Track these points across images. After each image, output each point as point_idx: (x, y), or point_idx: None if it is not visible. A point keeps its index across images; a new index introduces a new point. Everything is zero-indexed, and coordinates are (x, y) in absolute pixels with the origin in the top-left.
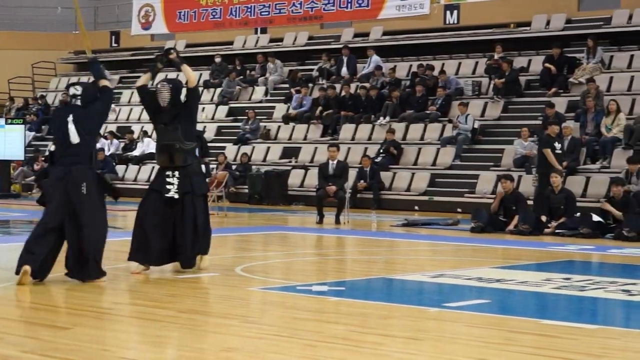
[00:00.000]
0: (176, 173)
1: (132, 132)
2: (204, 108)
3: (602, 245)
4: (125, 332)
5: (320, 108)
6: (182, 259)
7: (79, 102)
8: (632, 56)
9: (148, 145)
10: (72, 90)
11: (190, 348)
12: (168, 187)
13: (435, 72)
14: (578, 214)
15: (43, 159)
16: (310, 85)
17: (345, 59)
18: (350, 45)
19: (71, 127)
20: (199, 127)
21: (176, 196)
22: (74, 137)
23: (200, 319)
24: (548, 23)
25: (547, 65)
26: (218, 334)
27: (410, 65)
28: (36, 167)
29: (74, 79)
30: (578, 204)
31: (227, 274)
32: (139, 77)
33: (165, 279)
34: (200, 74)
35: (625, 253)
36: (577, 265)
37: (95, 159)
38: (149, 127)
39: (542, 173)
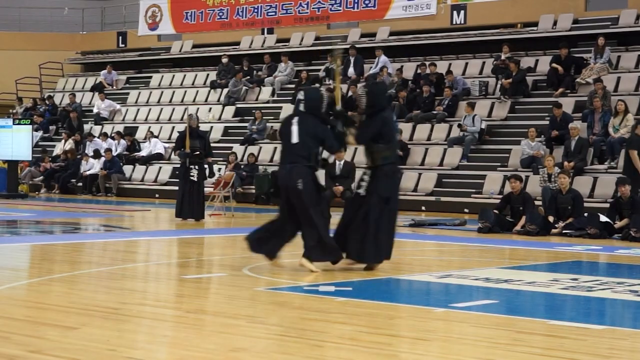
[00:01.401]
0: (368, 172)
1: (131, 134)
2: (210, 108)
3: (609, 245)
4: (132, 332)
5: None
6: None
7: (301, 107)
8: (639, 56)
9: (155, 146)
10: (298, 95)
11: (198, 348)
12: (361, 183)
13: (442, 72)
14: (585, 214)
15: (50, 159)
16: (317, 85)
17: (352, 59)
18: (357, 46)
19: (294, 129)
20: (204, 127)
21: (363, 193)
22: (294, 138)
23: (208, 319)
24: (555, 23)
25: (554, 65)
26: (226, 334)
27: (417, 66)
28: (42, 167)
29: (80, 80)
30: (585, 204)
31: (234, 274)
32: (145, 77)
33: (172, 279)
34: (207, 75)
35: (633, 254)
36: (585, 265)
37: (315, 159)
38: (156, 128)
39: (633, 177)
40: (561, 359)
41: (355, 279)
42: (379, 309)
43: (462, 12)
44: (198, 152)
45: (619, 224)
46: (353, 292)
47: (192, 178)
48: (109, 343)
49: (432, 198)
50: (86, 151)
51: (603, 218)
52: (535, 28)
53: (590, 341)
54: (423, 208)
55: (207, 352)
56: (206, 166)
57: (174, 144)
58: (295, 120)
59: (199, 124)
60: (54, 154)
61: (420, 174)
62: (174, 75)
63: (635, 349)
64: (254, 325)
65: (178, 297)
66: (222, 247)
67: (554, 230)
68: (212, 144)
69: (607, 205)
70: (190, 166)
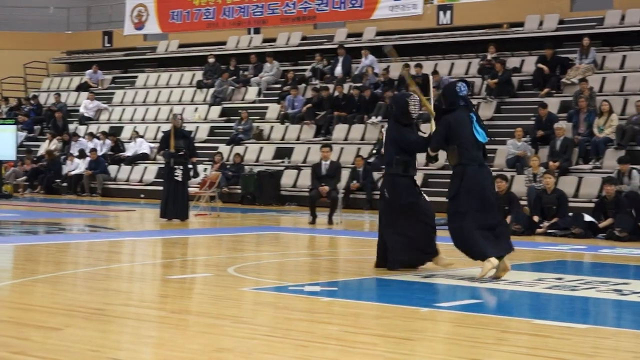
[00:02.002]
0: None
1: (115, 135)
2: (196, 108)
3: (593, 245)
4: (116, 332)
5: (308, 106)
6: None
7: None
8: (624, 57)
9: (140, 146)
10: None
11: (182, 349)
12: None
13: (428, 72)
14: (570, 214)
15: (35, 159)
16: (304, 85)
17: (340, 59)
18: (346, 46)
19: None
20: (190, 127)
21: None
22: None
23: (192, 319)
24: (541, 23)
25: (540, 65)
26: (210, 334)
27: (404, 65)
28: (26, 167)
29: (66, 80)
30: (570, 204)
31: (219, 274)
32: (131, 77)
33: (157, 279)
34: (193, 74)
35: (617, 253)
36: (569, 265)
37: (397, 165)
38: (141, 128)
39: None
40: (546, 358)
41: (340, 279)
42: (365, 308)
43: (448, 12)
44: (182, 152)
45: (603, 224)
46: (338, 292)
47: (176, 178)
48: (93, 344)
49: None
50: (71, 151)
51: (588, 218)
52: (521, 28)
53: (575, 340)
54: None
55: (192, 353)
56: (190, 166)
57: (158, 144)
58: (384, 128)
59: (184, 124)
60: (39, 154)
61: None
62: (159, 75)
63: (619, 348)
64: (239, 325)
65: (162, 298)
66: (208, 247)
67: (538, 230)
68: (198, 144)
69: (592, 205)
70: (175, 166)
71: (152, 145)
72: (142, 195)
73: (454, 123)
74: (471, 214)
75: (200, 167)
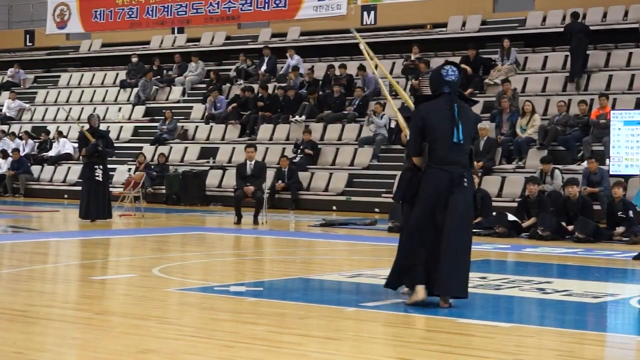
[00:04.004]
0: None
1: (47, 132)
2: (120, 108)
3: (517, 244)
4: (40, 334)
5: (233, 106)
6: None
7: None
8: (546, 57)
9: (64, 146)
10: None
11: (107, 350)
12: None
13: (352, 72)
14: (494, 213)
15: None
16: (229, 85)
17: (266, 59)
18: (270, 46)
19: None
20: (114, 127)
21: None
22: None
23: (117, 320)
24: (464, 24)
25: (463, 66)
26: (135, 335)
27: (328, 66)
28: None
29: None
30: (493, 203)
31: (144, 275)
32: (54, 76)
33: (81, 280)
34: (117, 74)
35: (540, 252)
36: (493, 264)
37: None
38: (65, 127)
39: None
40: (470, 356)
41: (266, 279)
42: (290, 308)
43: (372, 12)
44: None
45: (526, 223)
46: (264, 292)
47: (97, 178)
48: (16, 346)
49: (343, 198)
50: None
51: (511, 217)
52: (444, 29)
53: (498, 339)
54: (334, 208)
55: (116, 354)
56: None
57: (78, 144)
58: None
59: (100, 123)
60: None
61: (331, 174)
62: (82, 75)
63: (542, 346)
64: (164, 326)
65: (87, 299)
66: (132, 247)
67: None
68: (122, 144)
69: (515, 204)
70: (95, 166)
71: (76, 145)
72: (66, 196)
73: (428, 114)
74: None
75: (124, 167)
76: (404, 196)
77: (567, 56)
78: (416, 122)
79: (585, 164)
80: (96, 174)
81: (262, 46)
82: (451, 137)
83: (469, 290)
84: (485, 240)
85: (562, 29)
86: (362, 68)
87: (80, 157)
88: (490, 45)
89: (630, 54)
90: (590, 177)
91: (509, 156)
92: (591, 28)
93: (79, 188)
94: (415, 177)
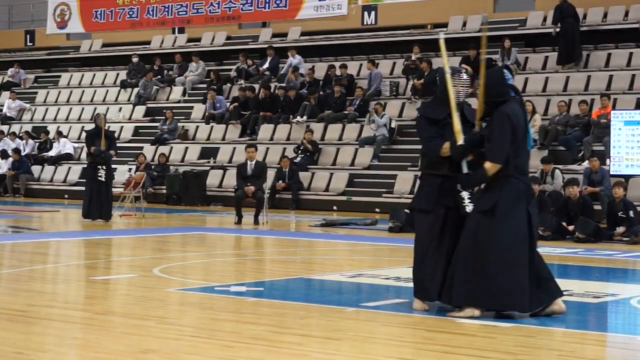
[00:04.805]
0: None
1: (47, 132)
2: (120, 108)
3: None
4: (40, 334)
5: (235, 105)
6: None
7: None
8: (546, 57)
9: (64, 146)
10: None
11: (107, 350)
12: None
13: (353, 72)
14: None
15: None
16: (229, 85)
17: (269, 59)
18: (274, 46)
19: None
20: (114, 127)
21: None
22: None
23: (117, 320)
24: (464, 24)
25: (463, 66)
26: (135, 335)
27: (329, 66)
28: None
29: None
30: None
31: (144, 275)
32: (54, 76)
33: (81, 280)
34: (117, 74)
35: (540, 252)
36: None
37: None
38: (65, 128)
39: None
40: (470, 356)
41: (266, 279)
42: (291, 308)
43: (372, 12)
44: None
45: None
46: (264, 292)
47: (99, 178)
48: (17, 346)
49: (344, 198)
50: None
51: None
52: (445, 29)
53: (498, 339)
54: (334, 208)
55: (117, 354)
56: (114, 166)
57: (85, 144)
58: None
59: (107, 124)
60: None
61: (331, 174)
62: (83, 75)
63: (542, 346)
64: (164, 326)
65: (87, 299)
66: (133, 247)
67: None
68: (122, 144)
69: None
70: (98, 166)
71: (76, 145)
72: (66, 196)
73: (516, 118)
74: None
75: (124, 168)
76: (435, 203)
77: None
78: (507, 126)
79: (585, 163)
80: (99, 174)
81: (262, 46)
82: (526, 145)
83: None
84: None
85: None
86: (372, 62)
87: (87, 155)
88: (490, 45)
89: (631, 54)
90: (591, 176)
91: None
92: (592, 28)
93: (80, 188)
94: (449, 184)
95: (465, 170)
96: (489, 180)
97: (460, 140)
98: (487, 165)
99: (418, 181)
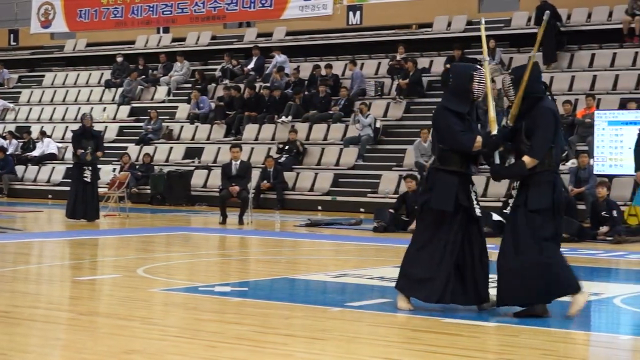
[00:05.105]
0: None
1: (29, 132)
2: (105, 108)
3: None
4: (24, 335)
5: (219, 105)
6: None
7: None
8: (529, 58)
9: (48, 146)
10: None
11: (91, 351)
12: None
13: (338, 72)
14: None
15: None
16: (214, 85)
17: (254, 59)
18: (253, 46)
19: None
20: (99, 127)
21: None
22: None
23: (101, 321)
24: (449, 24)
25: (448, 66)
26: (119, 336)
27: (314, 66)
28: None
29: None
30: (482, 203)
31: (128, 276)
32: (38, 76)
33: (65, 280)
34: (102, 74)
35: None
36: None
37: (441, 157)
38: (49, 127)
39: None
40: (455, 356)
41: (251, 279)
42: (275, 308)
43: (358, 12)
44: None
45: None
46: (249, 292)
47: (85, 179)
48: (0, 347)
49: (329, 198)
50: None
51: (496, 217)
52: (429, 29)
53: (482, 338)
54: (319, 208)
55: (100, 355)
56: (99, 166)
57: (72, 144)
58: None
59: (93, 124)
60: None
61: (316, 174)
62: (67, 74)
63: (527, 346)
64: (148, 326)
65: (71, 299)
66: (117, 248)
67: None
68: (107, 144)
69: (500, 204)
70: (84, 167)
71: (60, 145)
72: (50, 196)
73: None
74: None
75: (109, 167)
76: (457, 203)
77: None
78: (552, 122)
79: (569, 163)
80: (84, 175)
81: (247, 46)
82: (561, 141)
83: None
84: None
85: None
86: (353, 63)
87: (72, 156)
88: (475, 45)
89: (615, 54)
90: (578, 174)
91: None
92: (576, 29)
93: (64, 188)
94: (463, 181)
95: (497, 161)
96: (526, 175)
97: (495, 130)
98: (527, 160)
99: (429, 177)
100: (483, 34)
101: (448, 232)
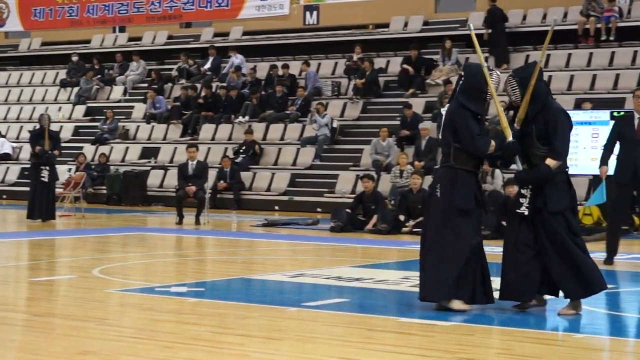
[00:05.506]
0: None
1: None
2: (60, 107)
3: None
4: None
5: (176, 105)
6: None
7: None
8: (486, 58)
9: (2, 146)
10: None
11: (45, 352)
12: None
13: (295, 72)
14: None
15: None
16: (171, 84)
17: (211, 58)
18: (209, 45)
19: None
20: (54, 127)
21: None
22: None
23: (56, 322)
24: (406, 25)
25: (404, 66)
26: (74, 337)
27: (271, 66)
28: None
29: None
30: None
31: (84, 276)
32: None
33: (20, 281)
34: (57, 73)
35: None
36: None
37: (458, 156)
38: (3, 127)
39: None
40: (411, 355)
41: (207, 279)
42: (232, 309)
43: (314, 12)
44: (49, 153)
45: None
46: (205, 292)
47: (42, 179)
48: None
49: (286, 198)
50: None
51: None
52: (386, 29)
53: (438, 338)
54: (276, 208)
55: (55, 356)
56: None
57: (29, 143)
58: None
59: (50, 123)
60: None
61: (273, 174)
62: (22, 74)
63: (481, 344)
64: (104, 327)
65: (26, 300)
66: (72, 248)
67: (404, 229)
68: (62, 144)
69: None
70: (41, 167)
71: (15, 145)
72: (4, 196)
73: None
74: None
75: (64, 167)
76: (476, 202)
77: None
78: (567, 122)
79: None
80: (42, 175)
81: (204, 46)
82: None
83: None
84: None
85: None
86: (306, 64)
87: (30, 156)
88: (432, 45)
89: (570, 54)
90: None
91: None
92: (531, 29)
93: (19, 188)
94: (477, 180)
95: (520, 167)
96: (552, 177)
97: (510, 137)
98: (551, 162)
99: (444, 176)
100: (474, 39)
101: (478, 231)
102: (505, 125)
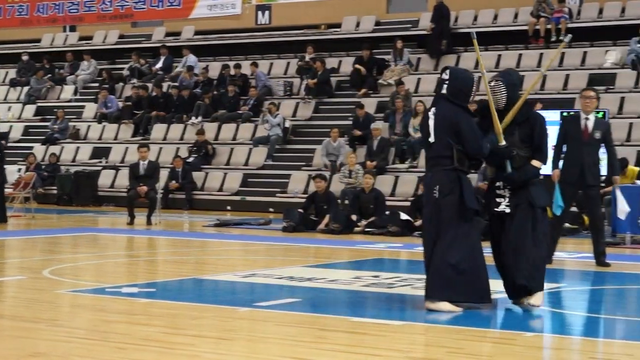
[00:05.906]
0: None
1: None
2: (10, 107)
3: (409, 243)
4: None
5: (127, 104)
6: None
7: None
8: (438, 58)
9: None
10: (442, 75)
11: None
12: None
13: (247, 72)
14: (387, 212)
15: None
16: (122, 84)
17: (162, 58)
18: (161, 45)
19: (431, 123)
20: (3, 127)
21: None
22: (432, 135)
23: (5, 323)
24: (358, 25)
25: (357, 66)
26: (25, 338)
27: (223, 65)
28: None
29: None
30: (387, 202)
31: (34, 277)
32: None
33: None
34: (7, 72)
35: None
36: (386, 262)
37: (460, 159)
38: None
39: None
40: (362, 355)
41: (159, 280)
42: (183, 309)
43: (266, 12)
44: None
45: (418, 222)
46: (157, 293)
47: None
48: None
49: (238, 198)
50: None
51: (404, 216)
52: (338, 29)
53: (390, 337)
54: (228, 208)
55: (5, 358)
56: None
57: None
58: (433, 111)
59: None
60: None
61: (225, 174)
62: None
63: (432, 343)
64: (55, 328)
65: None
66: (22, 249)
67: (356, 229)
68: (12, 144)
69: (408, 203)
70: None
71: None
72: None
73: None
74: None
75: (14, 168)
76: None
77: (459, 57)
78: (545, 127)
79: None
80: None
81: (155, 45)
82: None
83: None
84: (379, 239)
85: (456, 30)
86: (254, 64)
87: None
88: (384, 45)
89: (520, 55)
90: (485, 173)
91: (402, 156)
92: (482, 30)
93: None
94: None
95: (509, 169)
96: (537, 177)
97: (503, 141)
98: (537, 163)
99: (444, 178)
100: (476, 47)
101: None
102: (499, 130)
